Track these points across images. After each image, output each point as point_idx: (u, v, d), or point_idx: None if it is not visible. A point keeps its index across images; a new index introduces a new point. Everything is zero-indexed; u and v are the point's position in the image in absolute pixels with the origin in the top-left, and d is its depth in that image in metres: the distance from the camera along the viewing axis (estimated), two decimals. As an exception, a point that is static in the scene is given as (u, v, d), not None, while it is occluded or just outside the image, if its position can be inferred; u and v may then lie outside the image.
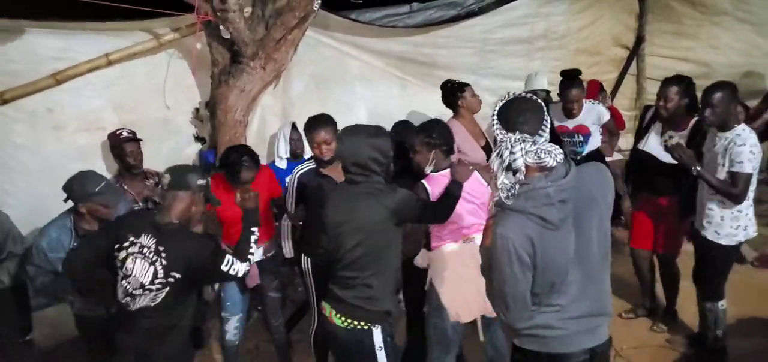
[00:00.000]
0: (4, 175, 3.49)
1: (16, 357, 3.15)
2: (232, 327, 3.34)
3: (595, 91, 5.26)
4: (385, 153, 2.33)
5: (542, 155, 1.75)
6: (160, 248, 2.30)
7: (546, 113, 1.84)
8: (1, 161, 3.47)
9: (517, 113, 1.81)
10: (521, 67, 5.16)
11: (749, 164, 2.96)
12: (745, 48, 5.52)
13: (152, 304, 2.32)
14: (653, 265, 3.88)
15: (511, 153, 1.74)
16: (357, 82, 4.79)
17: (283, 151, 3.95)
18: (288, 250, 3.43)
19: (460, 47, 4.98)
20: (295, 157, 4.01)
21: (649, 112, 3.72)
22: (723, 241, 3.17)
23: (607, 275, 1.95)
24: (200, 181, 2.40)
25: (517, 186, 1.75)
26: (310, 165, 3.24)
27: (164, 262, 2.29)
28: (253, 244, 2.59)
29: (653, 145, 3.52)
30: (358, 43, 4.65)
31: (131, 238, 2.33)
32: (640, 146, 3.61)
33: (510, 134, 1.77)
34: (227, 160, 3.14)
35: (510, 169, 1.75)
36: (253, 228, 2.61)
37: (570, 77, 4.20)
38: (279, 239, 3.48)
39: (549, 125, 1.84)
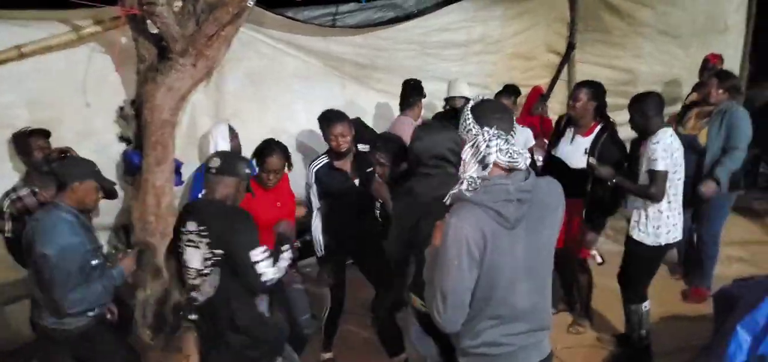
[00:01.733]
0: None
1: None
2: None
3: (535, 98, 5.41)
4: (458, 144, 2.37)
5: (515, 156, 1.74)
6: (201, 228, 2.25)
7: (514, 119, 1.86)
8: None
9: (493, 110, 1.81)
10: (458, 71, 5.20)
11: (662, 162, 3.09)
12: (666, 58, 5.86)
13: (212, 289, 2.28)
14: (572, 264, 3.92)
15: (488, 146, 1.73)
16: (294, 81, 4.65)
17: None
18: (320, 249, 3.47)
19: (400, 50, 4.96)
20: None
21: (563, 120, 3.83)
22: (647, 241, 3.29)
23: (549, 287, 1.96)
24: (247, 170, 2.39)
25: (478, 181, 1.73)
26: (324, 159, 3.37)
27: (208, 240, 2.24)
28: (283, 258, 2.52)
29: (563, 150, 3.63)
30: (295, 42, 4.52)
31: (181, 230, 2.30)
32: (553, 152, 3.71)
33: (486, 128, 1.75)
34: (259, 148, 3.20)
35: (482, 162, 1.73)
36: (284, 246, 2.57)
37: (506, 88, 4.46)
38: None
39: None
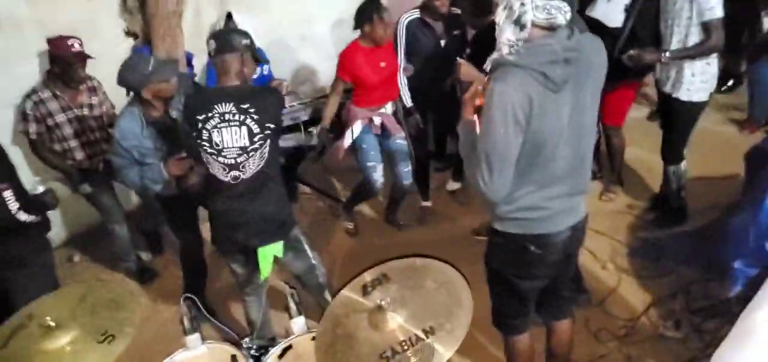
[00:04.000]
0: None
1: None
2: (380, 175, 3.46)
3: None
4: None
5: (552, 10, 1.60)
6: (243, 106, 2.21)
7: None
8: None
9: None
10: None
11: (719, 8, 2.87)
12: None
13: (261, 163, 2.28)
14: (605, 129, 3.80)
15: (522, 4, 1.60)
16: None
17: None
18: (407, 100, 3.51)
19: None
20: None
21: None
22: (695, 98, 3.12)
23: (591, 150, 1.88)
24: (245, 41, 2.32)
25: (519, 43, 1.62)
26: (415, 14, 3.41)
27: (255, 117, 2.22)
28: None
29: (601, 9, 3.38)
30: None
31: (205, 115, 2.22)
32: (588, 12, 3.47)
33: None
34: (360, 8, 3.16)
35: (518, 22, 1.61)
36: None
37: None
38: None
39: None
